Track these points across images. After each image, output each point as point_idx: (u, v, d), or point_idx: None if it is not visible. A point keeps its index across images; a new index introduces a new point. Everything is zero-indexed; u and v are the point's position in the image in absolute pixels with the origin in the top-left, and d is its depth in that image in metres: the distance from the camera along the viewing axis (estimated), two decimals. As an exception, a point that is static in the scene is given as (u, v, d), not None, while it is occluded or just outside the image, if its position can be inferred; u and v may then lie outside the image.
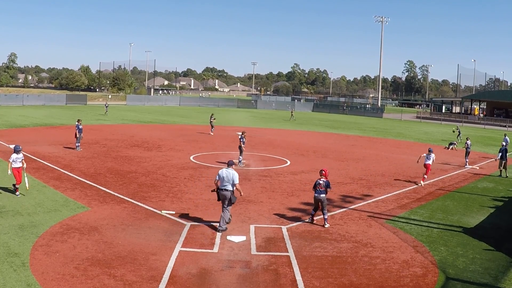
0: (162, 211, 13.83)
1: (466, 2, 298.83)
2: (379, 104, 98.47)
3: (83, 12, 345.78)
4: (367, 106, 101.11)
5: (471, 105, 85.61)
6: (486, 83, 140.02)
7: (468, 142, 26.69)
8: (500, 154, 23.20)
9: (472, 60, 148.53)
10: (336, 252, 11.19)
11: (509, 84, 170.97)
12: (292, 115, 60.83)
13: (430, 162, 20.02)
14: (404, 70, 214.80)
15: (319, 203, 13.10)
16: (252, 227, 12.71)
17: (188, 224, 12.76)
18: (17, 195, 14.88)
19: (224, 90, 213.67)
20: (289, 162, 24.25)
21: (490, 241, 12.45)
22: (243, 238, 11.80)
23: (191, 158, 24.31)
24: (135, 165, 21.34)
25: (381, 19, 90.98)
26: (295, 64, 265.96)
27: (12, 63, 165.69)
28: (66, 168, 19.97)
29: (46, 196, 15.14)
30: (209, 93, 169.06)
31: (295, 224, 13.28)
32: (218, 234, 11.97)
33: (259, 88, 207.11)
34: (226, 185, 12.35)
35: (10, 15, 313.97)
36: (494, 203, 17.21)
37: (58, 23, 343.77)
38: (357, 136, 41.76)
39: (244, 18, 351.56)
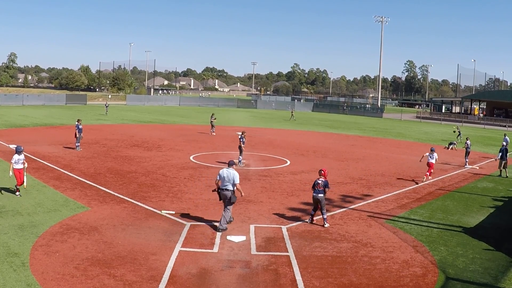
0: (162, 211, 13.83)
1: (466, 2, 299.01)
2: (379, 104, 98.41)
3: (83, 12, 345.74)
4: (367, 106, 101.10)
5: (471, 105, 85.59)
6: (486, 83, 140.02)
7: (468, 142, 26.70)
8: (500, 154, 23.21)
9: (472, 60, 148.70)
10: (336, 252, 11.19)
11: (509, 84, 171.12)
12: (292, 115, 60.82)
13: (433, 161, 20.53)
14: (404, 70, 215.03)
15: (318, 203, 13.11)
16: (252, 227, 12.71)
17: (188, 224, 12.76)
18: (17, 195, 14.88)
19: (224, 90, 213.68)
20: (289, 162, 24.25)
21: (490, 241, 12.45)
22: (243, 238, 11.80)
23: (191, 158, 24.31)
24: (135, 165, 21.35)
25: (381, 19, 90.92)
26: (295, 64, 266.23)
27: (12, 63, 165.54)
28: (66, 168, 19.97)
29: (46, 196, 15.14)
30: (209, 93, 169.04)
31: (295, 224, 13.28)
32: (218, 234, 11.97)
33: (259, 88, 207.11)
34: (227, 185, 12.36)
35: (10, 15, 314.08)
36: (494, 203, 17.21)
37: (58, 23, 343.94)
38: (357, 136, 41.76)
39: (244, 18, 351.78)
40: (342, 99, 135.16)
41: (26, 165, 15.41)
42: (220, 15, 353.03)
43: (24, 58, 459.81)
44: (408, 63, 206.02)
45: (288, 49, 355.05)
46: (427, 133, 49.45)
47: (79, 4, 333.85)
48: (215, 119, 37.47)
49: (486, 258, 11.15)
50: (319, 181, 13.06)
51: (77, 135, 25.14)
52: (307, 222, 13.43)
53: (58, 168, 19.80)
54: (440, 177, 21.75)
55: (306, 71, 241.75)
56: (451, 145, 34.37)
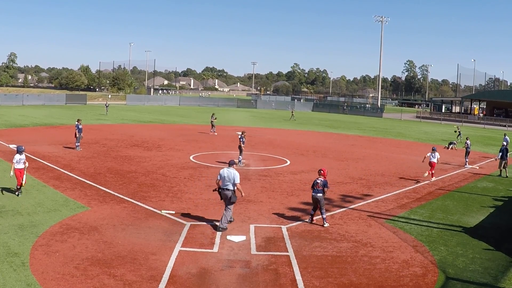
0: (162, 211, 13.83)
1: (466, 2, 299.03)
2: (379, 104, 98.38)
3: (83, 12, 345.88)
4: (367, 105, 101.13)
5: (471, 105, 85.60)
6: (486, 82, 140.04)
7: (468, 142, 26.70)
8: (501, 153, 23.21)
9: (472, 60, 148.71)
10: (336, 251, 11.19)
11: (508, 84, 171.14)
12: (292, 115, 60.77)
13: (435, 160, 20.65)
14: (404, 69, 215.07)
15: (317, 203, 13.11)
16: (252, 227, 12.71)
17: (188, 223, 12.76)
18: (17, 195, 14.87)
19: (224, 90, 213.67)
20: (289, 162, 24.25)
21: (490, 241, 12.45)
22: (243, 237, 11.80)
23: (191, 158, 24.31)
24: (135, 165, 21.34)
25: (381, 19, 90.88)
26: (295, 64, 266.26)
27: (12, 63, 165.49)
28: (66, 168, 19.97)
29: (46, 196, 15.14)
30: (209, 93, 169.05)
31: (295, 223, 13.28)
32: (218, 234, 11.97)
33: (259, 88, 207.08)
34: (227, 185, 12.37)
35: (10, 15, 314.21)
36: (494, 203, 17.22)
37: (58, 23, 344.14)
38: (357, 136, 41.76)
39: (244, 18, 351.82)
40: (342, 99, 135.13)
41: (27, 164, 15.42)
42: (220, 15, 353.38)
43: (24, 58, 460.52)
44: (408, 63, 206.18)
45: (288, 49, 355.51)
46: (427, 133, 49.45)
47: (79, 4, 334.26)
48: (215, 118, 37.46)
49: (486, 258, 11.15)
50: (318, 181, 13.06)
51: (77, 135, 25.14)
52: (307, 222, 13.43)
53: (58, 168, 19.80)
54: (440, 177, 21.75)
55: (306, 71, 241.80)
56: (451, 145, 34.40)
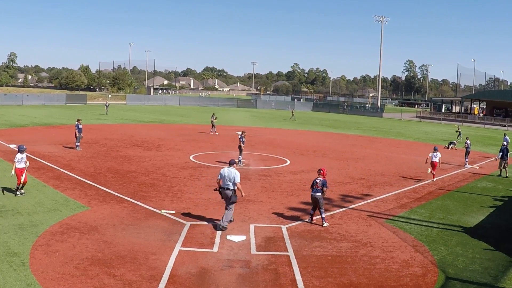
0: (162, 211, 13.83)
1: (466, 2, 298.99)
2: (379, 104, 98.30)
3: (83, 12, 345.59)
4: (367, 105, 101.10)
5: (471, 105, 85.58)
6: (486, 82, 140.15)
7: (468, 141, 26.71)
8: (501, 153, 23.21)
9: (472, 60, 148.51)
10: (336, 251, 11.19)
11: (508, 84, 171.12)
12: (293, 114, 60.72)
13: (436, 160, 20.63)
14: (404, 69, 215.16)
15: (316, 202, 13.11)
16: (252, 227, 12.71)
17: (188, 223, 12.76)
18: (17, 194, 14.87)
19: (224, 90, 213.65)
20: (288, 162, 24.25)
21: (490, 241, 12.45)
22: (242, 237, 11.80)
23: (191, 157, 24.31)
24: (135, 165, 21.34)
25: (380, 19, 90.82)
26: (295, 63, 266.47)
27: (11, 63, 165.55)
28: (66, 167, 19.97)
29: (46, 195, 15.14)
30: (209, 93, 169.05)
31: (294, 223, 13.28)
32: (218, 234, 11.96)
33: (258, 88, 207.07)
34: (228, 184, 12.38)
35: (10, 15, 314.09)
36: (494, 203, 17.22)
37: (58, 23, 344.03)
38: (357, 136, 41.76)
39: (244, 18, 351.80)
40: (342, 99, 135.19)
41: (28, 164, 15.42)
42: (220, 15, 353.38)
43: (24, 58, 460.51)
44: (408, 62, 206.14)
45: (288, 49, 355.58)
46: (427, 133, 49.45)
47: (79, 4, 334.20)
48: (216, 118, 37.45)
49: (486, 258, 11.15)
50: (318, 180, 13.07)
51: (77, 135, 25.14)
52: (307, 221, 13.43)
53: (58, 168, 19.80)
54: (440, 177, 21.75)
55: (306, 71, 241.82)
56: (451, 145, 34.41)
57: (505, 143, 24.86)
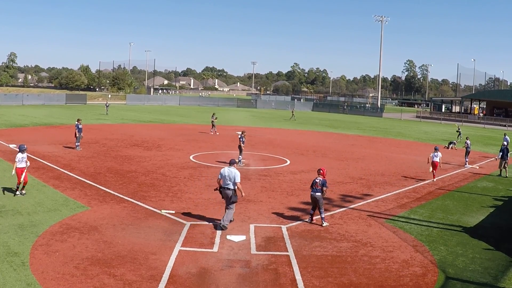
0: (162, 211, 13.83)
1: (466, 2, 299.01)
2: (379, 104, 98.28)
3: (83, 12, 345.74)
4: (367, 105, 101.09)
5: (471, 105, 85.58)
6: (486, 82, 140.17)
7: (468, 141, 26.71)
8: (501, 153, 23.21)
9: (472, 60, 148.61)
10: (336, 251, 11.19)
11: (508, 84, 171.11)
12: (293, 114, 60.68)
13: (437, 159, 20.59)
14: (403, 69, 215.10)
15: (316, 202, 13.11)
16: (252, 227, 12.71)
17: (188, 223, 12.76)
18: (17, 194, 14.87)
19: (224, 90, 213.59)
20: (288, 162, 24.25)
21: (490, 241, 12.45)
22: (242, 237, 11.80)
23: (191, 157, 24.31)
24: (135, 165, 21.34)
25: (380, 19, 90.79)
26: (295, 63, 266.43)
27: (11, 63, 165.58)
28: (66, 167, 19.97)
29: (46, 195, 15.13)
30: (209, 93, 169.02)
31: (294, 223, 13.28)
32: (218, 234, 11.96)
33: (258, 88, 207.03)
34: (228, 184, 12.39)
35: (10, 15, 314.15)
36: (494, 203, 17.21)
37: (58, 23, 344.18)
38: (357, 136, 41.75)
39: (244, 18, 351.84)
40: (342, 99, 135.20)
41: (28, 163, 15.42)
42: (220, 15, 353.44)
43: (24, 58, 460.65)
44: (408, 62, 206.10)
45: (288, 48, 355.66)
46: (427, 133, 49.44)
47: (79, 4, 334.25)
48: (216, 118, 37.43)
49: (486, 258, 11.15)
50: (317, 180, 13.07)
51: (77, 135, 25.14)
52: (307, 221, 13.43)
53: (58, 168, 19.80)
54: (440, 177, 21.75)
55: (306, 71, 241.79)
56: (451, 145, 34.42)
57: (505, 143, 24.87)
